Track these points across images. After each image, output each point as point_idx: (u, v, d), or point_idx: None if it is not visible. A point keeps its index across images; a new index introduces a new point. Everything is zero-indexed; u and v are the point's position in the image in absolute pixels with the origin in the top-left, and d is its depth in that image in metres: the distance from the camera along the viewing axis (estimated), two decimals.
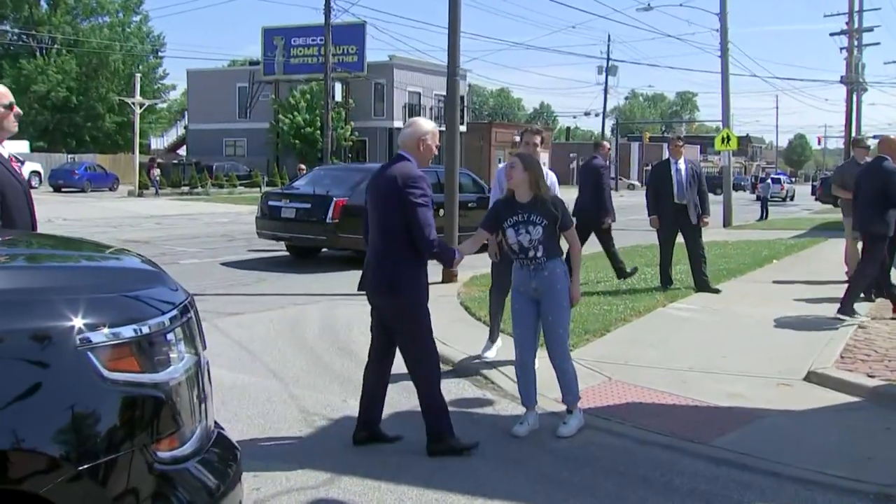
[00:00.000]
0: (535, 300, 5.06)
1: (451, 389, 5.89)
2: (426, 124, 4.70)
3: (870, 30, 36.59)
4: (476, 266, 14.01)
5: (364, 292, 4.71)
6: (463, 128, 58.71)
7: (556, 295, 4.99)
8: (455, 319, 8.51)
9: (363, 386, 4.87)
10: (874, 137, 11.17)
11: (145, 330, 2.35)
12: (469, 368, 6.56)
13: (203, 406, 2.57)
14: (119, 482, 2.22)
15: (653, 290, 10.11)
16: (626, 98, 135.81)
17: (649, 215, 10.44)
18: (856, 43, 35.15)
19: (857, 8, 34.57)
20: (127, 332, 2.31)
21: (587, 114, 74.11)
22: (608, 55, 65.30)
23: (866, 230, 8.23)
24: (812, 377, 6.19)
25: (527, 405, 5.19)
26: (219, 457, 2.59)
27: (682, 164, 10.14)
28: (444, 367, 6.79)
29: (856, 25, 34.87)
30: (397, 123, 51.90)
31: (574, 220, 5.50)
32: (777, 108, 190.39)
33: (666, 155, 10.71)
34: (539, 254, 4.96)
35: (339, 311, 9.15)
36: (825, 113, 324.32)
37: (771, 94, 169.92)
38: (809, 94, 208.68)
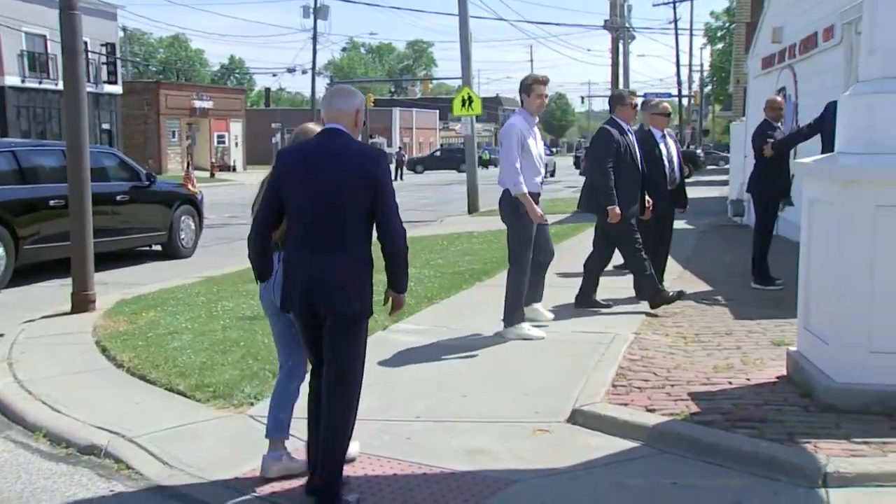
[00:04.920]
0: None
1: (58, 485, 5.44)
2: (358, 91, 5.11)
3: None
4: (128, 282, 13.14)
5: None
6: (117, 88, 56.63)
7: None
8: (82, 370, 7.94)
9: (309, 419, 5.15)
10: (644, 97, 11.96)
11: None
12: (94, 448, 5.97)
13: None
14: None
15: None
16: (344, 49, 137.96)
17: None
18: None
19: None
20: None
21: (292, 70, 74.06)
22: None
23: None
24: (577, 417, 6.16)
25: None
26: None
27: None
28: (54, 450, 6.05)
29: None
30: (11, 80, 48.63)
31: None
32: (532, 60, 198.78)
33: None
34: None
35: None
36: (589, 67, 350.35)
37: (524, 44, 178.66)
38: (570, 44, 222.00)
